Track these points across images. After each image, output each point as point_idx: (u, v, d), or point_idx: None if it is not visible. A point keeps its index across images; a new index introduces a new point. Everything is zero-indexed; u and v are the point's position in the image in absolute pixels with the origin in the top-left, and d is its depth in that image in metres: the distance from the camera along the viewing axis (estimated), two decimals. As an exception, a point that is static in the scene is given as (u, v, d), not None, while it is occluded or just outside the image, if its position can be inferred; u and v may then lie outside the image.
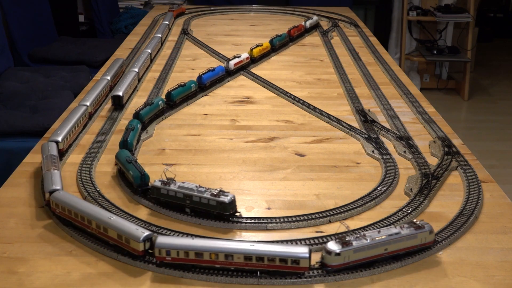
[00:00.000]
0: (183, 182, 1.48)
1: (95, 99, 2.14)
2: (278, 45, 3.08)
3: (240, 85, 2.56)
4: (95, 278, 1.24)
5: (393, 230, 1.30)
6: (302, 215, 1.47)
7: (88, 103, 2.07)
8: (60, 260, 1.30)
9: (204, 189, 1.45)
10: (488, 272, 1.27)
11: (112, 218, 1.32)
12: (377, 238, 1.26)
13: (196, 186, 1.46)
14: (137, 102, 2.30)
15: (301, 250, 1.22)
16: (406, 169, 1.76)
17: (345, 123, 2.10)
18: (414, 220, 1.34)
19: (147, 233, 1.27)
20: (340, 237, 1.27)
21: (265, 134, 2.03)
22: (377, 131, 2.02)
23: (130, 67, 2.56)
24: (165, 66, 2.79)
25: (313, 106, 2.27)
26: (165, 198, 1.48)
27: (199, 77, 2.41)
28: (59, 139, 1.76)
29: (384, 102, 2.31)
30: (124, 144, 1.77)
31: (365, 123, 2.08)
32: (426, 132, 2.04)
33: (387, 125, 2.09)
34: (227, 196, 1.43)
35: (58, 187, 1.47)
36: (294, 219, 1.45)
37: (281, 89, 2.47)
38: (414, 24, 6.08)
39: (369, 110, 2.22)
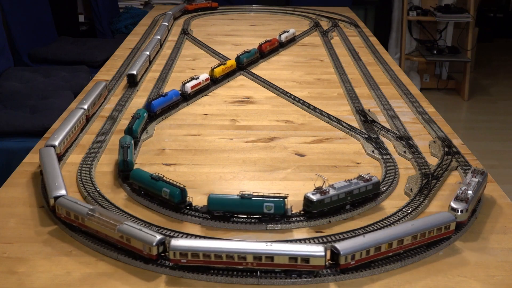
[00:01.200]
0: (332, 185, 1.48)
1: (65, 137, 1.80)
2: (245, 62, 2.72)
3: (240, 85, 2.56)
4: (95, 278, 1.24)
5: (474, 179, 1.48)
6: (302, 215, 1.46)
7: (56, 143, 1.74)
8: (60, 260, 1.30)
9: (354, 180, 1.50)
10: (488, 272, 1.27)
11: (272, 245, 1.23)
12: (473, 190, 1.44)
13: (346, 181, 1.49)
14: (137, 102, 2.30)
15: (448, 217, 1.35)
16: (406, 169, 1.76)
17: (345, 123, 2.10)
18: (475, 168, 1.53)
19: (323, 247, 1.23)
20: (457, 196, 1.40)
21: (265, 134, 2.03)
22: (377, 131, 2.02)
23: (142, 51, 2.81)
24: (165, 66, 2.78)
25: (313, 106, 2.27)
26: (329, 206, 1.46)
27: (148, 104, 2.09)
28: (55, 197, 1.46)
29: (384, 102, 2.31)
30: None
31: (365, 123, 2.08)
32: (426, 132, 2.04)
33: (387, 125, 2.09)
34: (371, 177, 1.53)
35: (161, 236, 1.28)
36: (294, 219, 1.45)
37: (281, 89, 2.47)
38: (414, 24, 6.08)
39: (369, 110, 2.22)
